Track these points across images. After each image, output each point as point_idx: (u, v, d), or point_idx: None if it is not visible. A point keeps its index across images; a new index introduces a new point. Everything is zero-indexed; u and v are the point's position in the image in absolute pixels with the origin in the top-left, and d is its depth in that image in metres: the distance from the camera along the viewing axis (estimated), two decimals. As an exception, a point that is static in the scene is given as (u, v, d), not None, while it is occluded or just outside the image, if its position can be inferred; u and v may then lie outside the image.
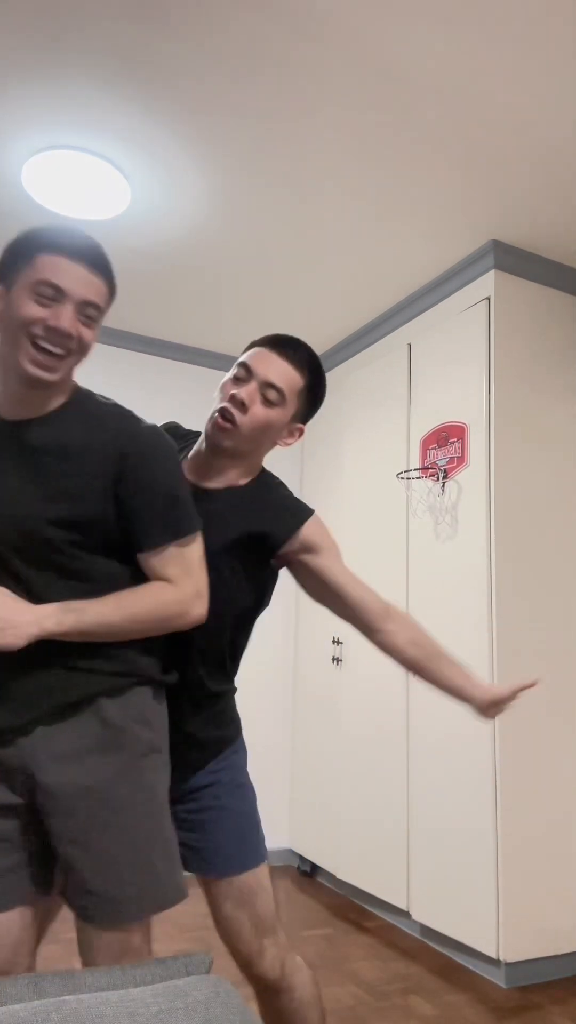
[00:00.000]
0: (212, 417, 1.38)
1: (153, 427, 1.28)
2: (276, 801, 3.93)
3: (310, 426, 4.44)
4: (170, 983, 0.85)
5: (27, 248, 1.18)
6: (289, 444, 1.46)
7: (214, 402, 1.39)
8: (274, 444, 1.44)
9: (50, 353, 1.18)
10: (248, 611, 1.46)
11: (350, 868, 3.27)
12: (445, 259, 3.11)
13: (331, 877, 3.52)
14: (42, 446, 1.22)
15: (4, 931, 1.21)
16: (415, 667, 1.46)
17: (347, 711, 3.47)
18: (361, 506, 3.57)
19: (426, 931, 2.91)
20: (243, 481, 1.43)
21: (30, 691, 1.20)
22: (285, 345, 1.40)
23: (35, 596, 1.20)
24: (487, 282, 2.99)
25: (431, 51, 2.06)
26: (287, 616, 4.12)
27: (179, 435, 1.55)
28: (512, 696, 1.44)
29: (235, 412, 1.35)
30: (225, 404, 1.36)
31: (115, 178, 2.62)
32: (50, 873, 1.25)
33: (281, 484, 1.50)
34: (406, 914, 2.99)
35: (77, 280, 1.17)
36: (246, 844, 1.43)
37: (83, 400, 1.30)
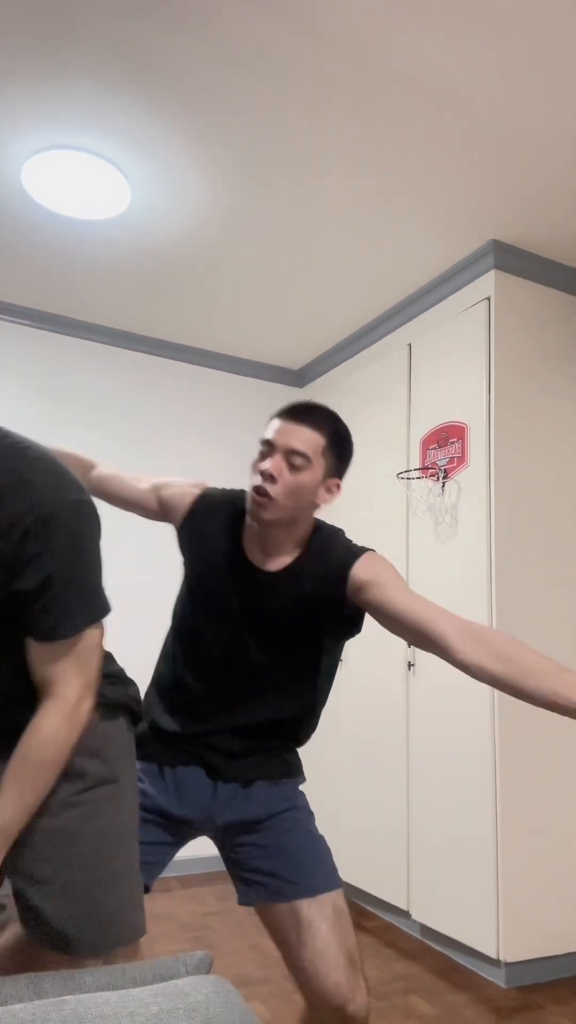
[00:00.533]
0: (249, 496, 1.44)
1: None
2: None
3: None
4: (170, 983, 0.85)
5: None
6: (328, 501, 1.48)
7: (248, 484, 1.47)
8: (315, 505, 1.47)
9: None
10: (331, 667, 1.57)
11: (350, 868, 3.27)
12: (445, 259, 3.11)
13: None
14: None
15: None
16: (506, 686, 1.27)
17: (347, 712, 3.47)
18: (361, 506, 3.57)
19: (426, 931, 2.91)
20: (299, 551, 1.49)
21: None
22: (300, 412, 1.45)
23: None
24: (487, 282, 2.99)
25: (431, 51, 2.06)
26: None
27: (216, 499, 1.58)
28: None
29: (267, 486, 1.40)
30: (256, 482, 1.42)
31: (115, 178, 2.62)
32: None
33: (333, 535, 1.53)
34: (406, 914, 2.99)
35: None
36: (329, 865, 1.45)
37: None
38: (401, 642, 3.16)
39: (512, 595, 2.76)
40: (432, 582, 3.04)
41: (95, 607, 1.13)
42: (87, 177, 2.61)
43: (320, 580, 1.45)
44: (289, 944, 1.39)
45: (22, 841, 1.12)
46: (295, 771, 1.56)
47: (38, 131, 2.43)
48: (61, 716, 1.10)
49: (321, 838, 1.50)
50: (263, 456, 1.44)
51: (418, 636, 1.37)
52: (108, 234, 3.02)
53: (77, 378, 3.83)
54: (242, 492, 1.57)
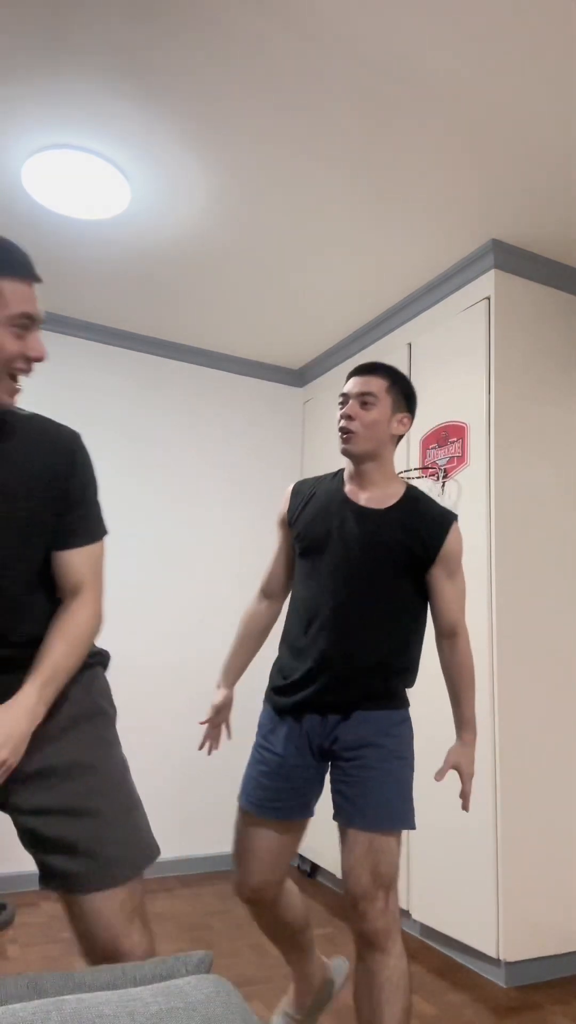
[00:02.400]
0: (339, 438, 1.79)
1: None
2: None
3: (310, 425, 4.45)
4: (170, 983, 0.85)
5: None
6: (403, 431, 1.82)
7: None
8: (392, 436, 1.81)
9: None
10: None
11: (350, 868, 3.27)
12: (445, 259, 3.11)
13: (331, 877, 3.52)
14: None
15: None
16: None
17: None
18: (361, 506, 3.56)
19: (426, 931, 2.91)
20: (394, 493, 1.80)
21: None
22: (364, 367, 1.82)
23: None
24: (487, 282, 2.99)
25: (431, 51, 2.06)
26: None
27: (307, 481, 1.94)
28: (445, 772, 1.81)
29: (348, 424, 1.76)
30: (340, 425, 1.77)
31: (115, 178, 2.62)
32: None
33: (420, 492, 1.86)
34: (406, 914, 2.99)
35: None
36: (390, 808, 1.66)
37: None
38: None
39: (512, 594, 2.76)
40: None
41: (103, 519, 1.39)
42: (87, 177, 2.61)
43: (422, 525, 1.75)
44: (342, 858, 1.67)
45: (57, 775, 1.25)
46: (394, 702, 1.78)
47: (38, 131, 2.43)
48: (92, 612, 1.31)
49: (398, 780, 1.70)
50: (341, 406, 1.79)
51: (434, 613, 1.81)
52: (108, 234, 3.02)
53: (77, 378, 3.83)
54: (327, 474, 1.93)
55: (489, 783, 2.64)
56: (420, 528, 1.74)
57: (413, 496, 1.80)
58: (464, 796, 1.80)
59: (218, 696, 1.95)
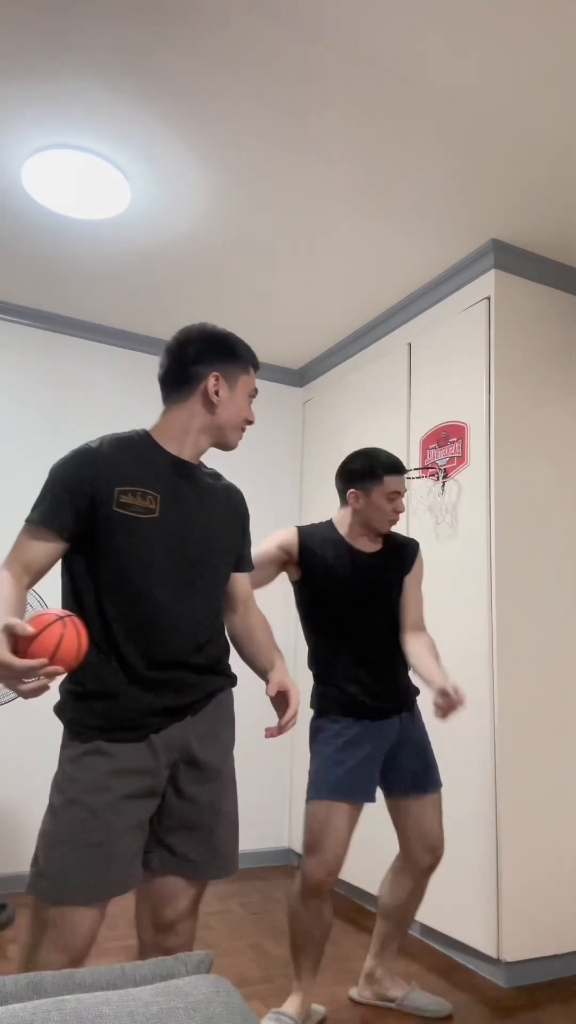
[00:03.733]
0: (389, 520, 2.22)
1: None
2: (276, 801, 3.93)
3: (310, 425, 4.43)
4: (170, 983, 0.85)
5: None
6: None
7: (383, 514, 2.21)
8: None
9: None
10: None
11: (349, 867, 3.27)
12: (445, 259, 3.11)
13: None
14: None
15: (94, 919, 1.36)
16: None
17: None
18: (361, 506, 3.57)
19: (426, 931, 2.91)
20: (381, 542, 2.29)
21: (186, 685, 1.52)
22: (404, 468, 2.26)
23: (202, 591, 1.56)
24: (487, 282, 2.99)
25: (432, 51, 2.06)
26: (287, 615, 4.11)
27: (312, 529, 2.29)
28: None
29: (397, 520, 2.25)
30: (395, 518, 2.22)
31: (115, 178, 2.62)
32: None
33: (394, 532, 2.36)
34: (406, 914, 2.99)
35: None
36: (436, 770, 2.29)
37: None
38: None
39: (512, 594, 2.76)
40: (432, 582, 3.03)
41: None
42: (87, 177, 2.61)
43: (400, 558, 2.27)
44: (410, 819, 2.23)
45: (212, 778, 1.50)
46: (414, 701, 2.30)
47: (38, 131, 2.43)
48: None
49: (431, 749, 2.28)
50: (397, 498, 2.21)
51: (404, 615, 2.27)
52: (108, 234, 3.02)
53: (77, 377, 3.83)
54: (324, 522, 2.31)
55: (489, 782, 2.64)
56: (400, 555, 2.28)
57: (390, 537, 2.31)
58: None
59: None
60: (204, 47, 2.08)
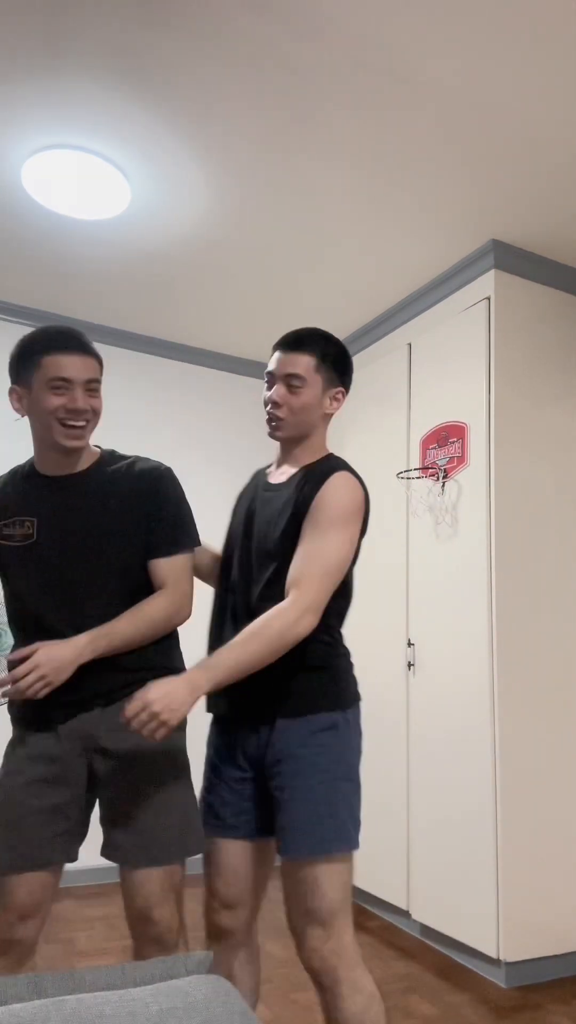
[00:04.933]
0: (266, 422, 1.66)
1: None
2: (276, 801, 3.92)
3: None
4: (170, 983, 0.85)
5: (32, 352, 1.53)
6: (337, 407, 1.66)
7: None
8: (324, 415, 1.65)
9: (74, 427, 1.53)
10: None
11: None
12: (445, 259, 3.11)
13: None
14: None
15: (31, 886, 1.46)
16: None
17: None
18: (361, 506, 3.56)
19: (426, 931, 2.91)
20: (308, 461, 1.64)
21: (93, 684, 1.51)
22: (287, 341, 1.63)
23: (94, 597, 1.54)
24: (487, 282, 2.99)
25: (432, 51, 2.06)
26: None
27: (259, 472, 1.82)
28: None
29: (275, 412, 1.62)
30: (267, 410, 1.64)
31: (115, 178, 2.62)
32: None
33: (334, 457, 1.66)
34: (406, 914, 2.99)
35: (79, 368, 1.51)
36: (314, 831, 1.46)
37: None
38: (401, 642, 3.16)
39: (512, 594, 2.76)
40: (432, 582, 3.03)
41: (192, 537, 1.68)
42: (87, 177, 2.61)
43: (311, 488, 1.56)
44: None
45: (126, 766, 1.51)
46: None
47: (38, 131, 2.43)
48: (164, 601, 1.57)
49: (319, 800, 1.52)
50: (268, 388, 1.64)
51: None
52: (108, 234, 3.02)
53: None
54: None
55: (489, 782, 2.64)
56: (305, 486, 1.57)
57: (323, 461, 1.63)
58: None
59: None
60: (204, 47, 2.08)
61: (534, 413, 2.94)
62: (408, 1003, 2.39)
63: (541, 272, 3.05)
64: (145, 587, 1.57)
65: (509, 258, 2.97)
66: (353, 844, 1.49)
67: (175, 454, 4.00)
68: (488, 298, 2.96)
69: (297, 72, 2.16)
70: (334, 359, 1.63)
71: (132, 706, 1.33)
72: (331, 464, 1.60)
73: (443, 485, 3.05)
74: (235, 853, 1.56)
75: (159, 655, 1.58)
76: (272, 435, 1.66)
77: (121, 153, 2.53)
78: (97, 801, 1.55)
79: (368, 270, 3.23)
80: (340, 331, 3.83)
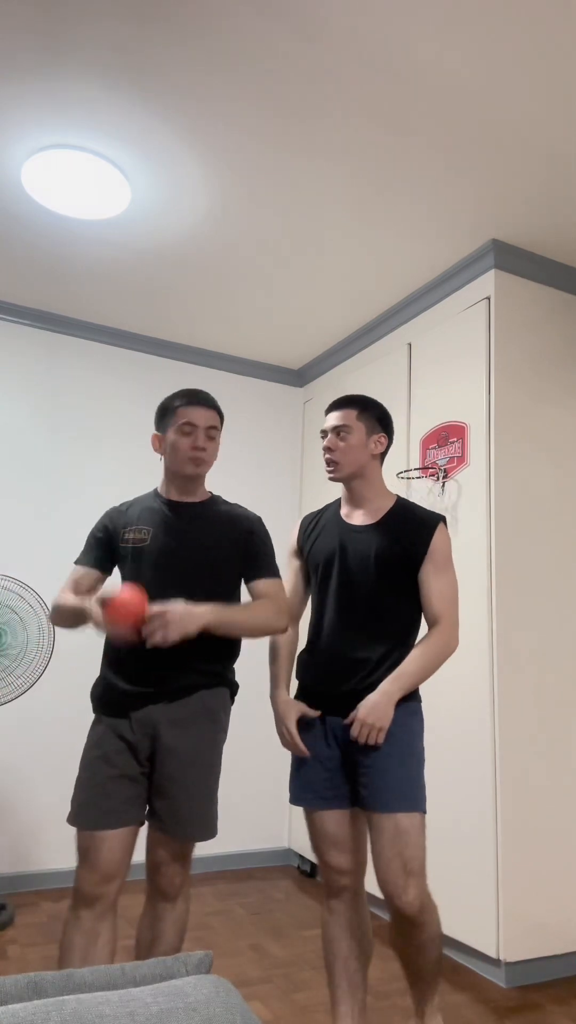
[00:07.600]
0: (325, 470, 2.03)
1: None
2: (276, 801, 3.93)
3: (310, 425, 4.44)
4: (170, 983, 0.85)
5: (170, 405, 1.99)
6: (381, 449, 2.03)
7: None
8: (372, 455, 2.01)
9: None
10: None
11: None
12: (445, 259, 3.11)
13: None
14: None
15: (118, 844, 1.79)
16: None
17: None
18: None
19: (426, 931, 2.91)
20: (384, 506, 2.01)
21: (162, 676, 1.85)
22: (334, 402, 2.05)
23: (180, 597, 1.83)
24: (487, 282, 2.99)
25: (432, 52, 2.06)
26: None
27: (314, 515, 2.18)
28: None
29: (331, 456, 2.00)
30: (325, 458, 2.02)
31: (115, 178, 2.62)
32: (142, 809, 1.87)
33: (410, 503, 2.05)
34: (406, 914, 2.99)
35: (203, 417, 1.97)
36: (411, 791, 1.83)
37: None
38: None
39: (512, 595, 2.76)
40: (432, 582, 3.03)
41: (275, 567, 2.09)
42: (87, 177, 2.61)
43: (407, 532, 1.94)
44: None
45: (175, 757, 1.82)
46: None
47: (38, 131, 2.43)
48: (269, 610, 1.94)
49: (409, 765, 1.90)
50: (323, 440, 2.03)
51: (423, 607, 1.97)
52: (108, 234, 3.02)
53: (76, 378, 3.83)
54: (330, 503, 2.15)
55: (489, 782, 2.64)
56: (409, 532, 1.94)
57: (401, 506, 2.01)
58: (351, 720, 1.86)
59: (291, 706, 1.98)
60: (204, 47, 2.08)
61: (534, 413, 2.94)
62: (408, 1003, 2.38)
63: (541, 272, 3.05)
64: (214, 600, 1.86)
65: (509, 258, 2.97)
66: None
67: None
68: (488, 298, 2.96)
69: (297, 73, 2.16)
70: (373, 411, 2.02)
71: (354, 728, 1.80)
72: (419, 513, 1.99)
73: (443, 485, 3.04)
74: (338, 821, 1.90)
75: (226, 670, 1.94)
76: (331, 478, 2.02)
77: (121, 153, 2.53)
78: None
79: (368, 270, 3.23)
80: (340, 331, 3.83)
